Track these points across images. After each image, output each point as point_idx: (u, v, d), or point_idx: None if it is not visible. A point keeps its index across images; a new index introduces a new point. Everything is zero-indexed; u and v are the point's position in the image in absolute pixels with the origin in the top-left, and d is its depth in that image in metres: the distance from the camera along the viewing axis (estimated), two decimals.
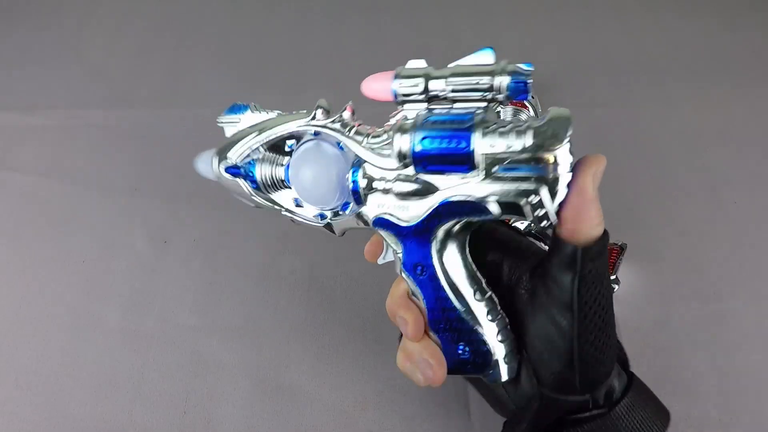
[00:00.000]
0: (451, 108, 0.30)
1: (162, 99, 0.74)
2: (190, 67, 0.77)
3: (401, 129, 0.30)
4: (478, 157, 0.28)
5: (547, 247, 0.32)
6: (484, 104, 0.30)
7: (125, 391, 0.50)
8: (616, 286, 0.51)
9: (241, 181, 0.37)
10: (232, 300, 0.55)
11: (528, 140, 0.27)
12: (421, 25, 0.81)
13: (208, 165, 0.38)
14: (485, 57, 0.30)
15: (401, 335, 0.38)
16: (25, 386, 0.50)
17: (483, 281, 0.34)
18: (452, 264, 0.33)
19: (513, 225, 0.43)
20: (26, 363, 0.52)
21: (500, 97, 0.29)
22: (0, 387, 0.50)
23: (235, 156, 0.36)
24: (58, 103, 0.74)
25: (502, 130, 0.28)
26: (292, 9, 0.84)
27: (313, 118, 0.34)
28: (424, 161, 0.30)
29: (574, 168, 0.28)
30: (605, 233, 0.29)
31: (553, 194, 0.28)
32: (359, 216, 0.34)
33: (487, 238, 0.35)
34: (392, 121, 0.32)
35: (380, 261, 0.37)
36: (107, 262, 0.58)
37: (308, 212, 0.37)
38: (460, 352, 0.34)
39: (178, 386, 0.50)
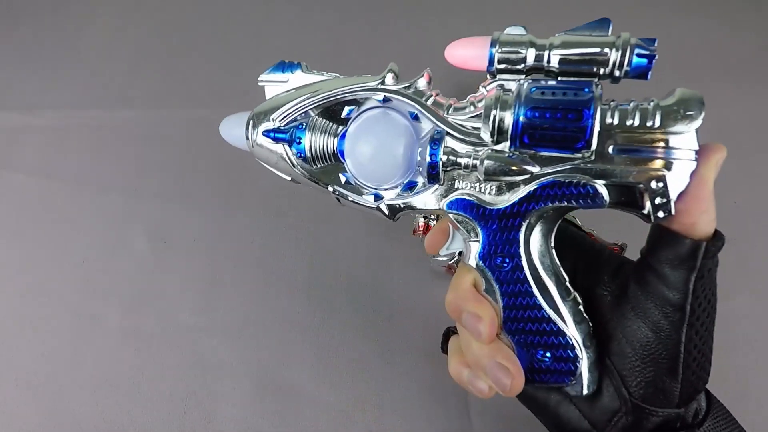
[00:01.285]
0: (557, 81, 0.27)
1: (162, 99, 0.74)
2: (190, 67, 0.77)
3: (500, 100, 0.27)
4: (594, 135, 0.26)
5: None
6: (594, 80, 0.26)
7: (125, 391, 0.50)
8: None
9: (283, 148, 0.32)
10: (232, 300, 0.55)
11: (656, 120, 0.25)
12: (421, 25, 0.81)
13: (240, 128, 0.33)
14: (600, 28, 0.26)
15: (445, 340, 0.34)
16: (25, 386, 0.50)
17: (567, 280, 0.30)
18: (538, 256, 0.29)
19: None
20: (26, 363, 0.52)
21: (617, 73, 0.26)
22: (0, 387, 0.50)
23: (280, 117, 0.31)
24: (58, 103, 0.74)
25: (623, 107, 0.26)
26: (291, 9, 0.84)
27: (382, 81, 0.30)
28: (526, 136, 0.26)
29: (698, 155, 0.25)
30: (719, 232, 0.27)
31: (674, 183, 0.25)
32: (431, 195, 0.30)
33: (557, 241, 0.31)
34: (482, 92, 0.29)
35: (443, 252, 0.33)
36: (107, 262, 0.58)
37: (361, 191, 0.32)
38: (539, 357, 0.29)
39: (178, 386, 0.50)
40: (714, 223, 0.26)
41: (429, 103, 0.29)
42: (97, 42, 0.82)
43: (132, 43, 0.81)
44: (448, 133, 0.29)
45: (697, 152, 0.25)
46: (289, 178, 0.34)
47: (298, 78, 0.33)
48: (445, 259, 0.52)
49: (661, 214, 0.26)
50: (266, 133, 0.32)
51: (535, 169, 0.27)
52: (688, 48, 0.76)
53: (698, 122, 0.25)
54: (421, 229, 0.55)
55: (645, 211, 0.26)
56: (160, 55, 0.79)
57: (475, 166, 0.28)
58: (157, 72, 0.77)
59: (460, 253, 0.34)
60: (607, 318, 0.30)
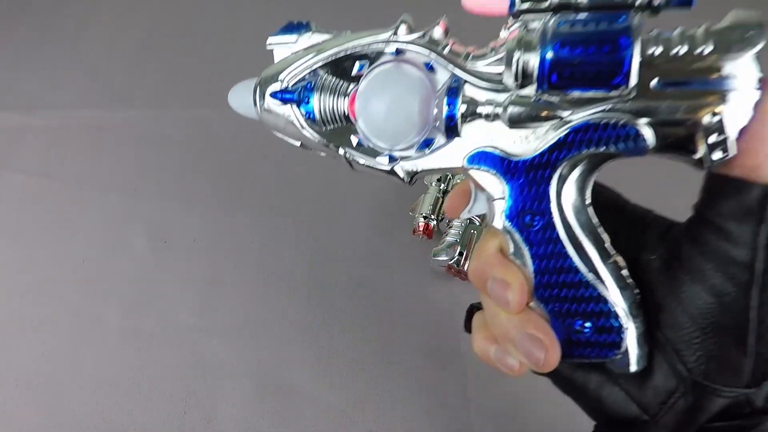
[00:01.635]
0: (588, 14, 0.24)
1: (162, 99, 0.74)
2: (190, 67, 0.77)
3: (524, 40, 0.24)
4: (634, 68, 0.22)
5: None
6: (631, 11, 0.23)
7: (125, 391, 0.50)
8: None
9: (292, 109, 0.30)
10: (232, 300, 0.55)
11: (708, 46, 0.22)
12: (420, 25, 0.81)
13: (248, 93, 0.31)
14: None
15: (468, 318, 0.31)
16: (25, 386, 0.50)
17: (607, 240, 0.26)
18: (573, 212, 0.26)
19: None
20: (26, 363, 0.52)
21: (657, 1, 0.23)
22: (0, 387, 0.50)
23: (287, 77, 0.30)
24: (58, 103, 0.74)
25: (666, 35, 0.23)
26: (291, 9, 0.84)
27: (395, 33, 0.28)
28: (555, 74, 0.24)
29: (762, 87, 0.22)
30: None
31: (733, 117, 0.22)
32: (451, 150, 0.27)
33: (597, 205, 0.27)
34: (501, 38, 0.26)
35: (464, 214, 0.30)
36: (107, 262, 0.58)
37: (373, 153, 0.29)
38: (577, 328, 0.26)
39: (178, 386, 0.50)
40: None
41: (445, 52, 0.27)
42: (98, 42, 0.82)
43: (132, 44, 0.81)
44: (466, 81, 0.26)
45: (761, 80, 0.22)
46: (298, 143, 0.31)
47: (307, 39, 0.31)
48: (445, 259, 0.52)
49: (718, 155, 0.22)
50: (273, 95, 0.30)
51: (566, 113, 0.24)
52: None
53: (758, 47, 0.21)
54: (421, 229, 0.55)
55: (698, 155, 0.23)
56: (160, 55, 0.79)
57: (497, 115, 0.25)
58: (157, 72, 0.77)
59: (478, 223, 0.27)
60: (656, 286, 0.25)
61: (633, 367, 0.25)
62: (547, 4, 0.24)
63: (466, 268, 0.50)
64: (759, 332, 0.23)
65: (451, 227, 0.54)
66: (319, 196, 0.57)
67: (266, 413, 0.48)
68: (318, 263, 0.57)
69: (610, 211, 0.28)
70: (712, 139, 0.22)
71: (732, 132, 0.22)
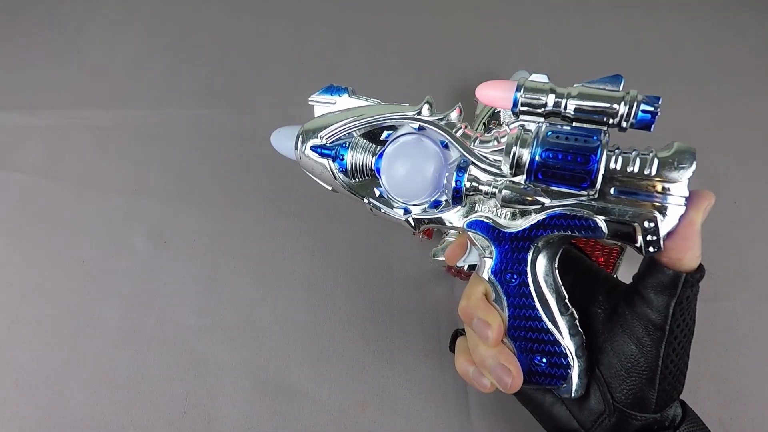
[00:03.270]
0: (572, 126, 0.31)
1: (162, 99, 0.74)
2: (190, 67, 0.77)
3: (522, 139, 0.31)
4: (599, 177, 0.29)
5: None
6: (604, 128, 0.30)
7: (125, 391, 0.50)
8: None
9: (327, 162, 0.36)
10: (232, 300, 0.55)
11: (653, 169, 0.29)
12: (421, 25, 0.81)
13: (290, 142, 0.37)
14: (613, 84, 0.30)
15: (453, 340, 0.39)
16: (25, 386, 0.50)
17: (566, 297, 0.34)
18: (543, 275, 0.33)
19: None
20: (26, 363, 0.52)
21: (624, 124, 0.29)
22: (0, 387, 0.50)
23: (326, 136, 0.36)
24: (58, 103, 0.74)
25: (626, 155, 0.30)
26: (291, 9, 0.84)
27: (419, 112, 0.34)
28: (540, 172, 0.31)
29: (687, 201, 0.29)
30: (701, 266, 0.31)
31: (664, 223, 0.29)
32: (454, 215, 0.34)
33: (560, 260, 0.35)
34: (504, 129, 0.32)
35: (460, 263, 0.37)
36: (107, 262, 0.58)
37: (392, 205, 0.36)
38: (536, 362, 0.34)
39: (178, 386, 0.50)
40: (698, 259, 0.30)
41: (458, 134, 0.33)
42: (98, 42, 0.82)
43: (132, 44, 0.81)
44: (472, 163, 0.33)
45: (687, 198, 0.29)
46: (330, 188, 0.38)
47: (344, 101, 0.37)
48: (442, 260, 0.52)
49: (651, 249, 0.30)
50: (314, 148, 0.36)
51: (546, 201, 0.31)
52: (689, 49, 0.76)
53: (689, 173, 0.28)
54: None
55: (638, 245, 0.30)
56: (161, 55, 0.79)
57: (494, 194, 0.32)
58: (157, 72, 0.77)
59: (472, 267, 0.38)
60: (599, 332, 0.34)
61: (574, 394, 0.33)
62: (541, 111, 0.31)
63: (465, 268, 0.50)
64: (663, 374, 0.31)
65: None
66: (319, 196, 0.57)
67: (266, 413, 0.48)
68: (318, 263, 0.57)
69: (574, 267, 0.37)
70: (648, 237, 0.29)
71: (662, 234, 0.29)
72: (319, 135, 0.36)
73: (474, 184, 0.33)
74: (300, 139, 0.37)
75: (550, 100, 0.30)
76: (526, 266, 0.33)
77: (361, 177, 0.36)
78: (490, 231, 0.33)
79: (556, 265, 0.34)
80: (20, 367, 0.51)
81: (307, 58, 0.78)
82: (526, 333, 0.33)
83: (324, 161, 0.36)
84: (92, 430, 0.48)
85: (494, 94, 0.32)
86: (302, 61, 0.77)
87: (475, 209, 0.33)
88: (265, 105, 0.71)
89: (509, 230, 0.33)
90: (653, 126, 0.29)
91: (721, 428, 0.46)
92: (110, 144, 0.69)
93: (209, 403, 0.49)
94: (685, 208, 0.29)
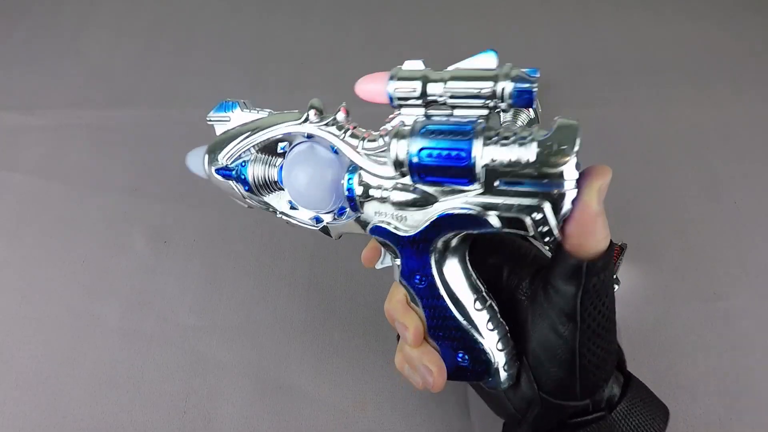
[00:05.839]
0: (451, 115, 0.28)
1: (162, 99, 0.74)
2: (190, 67, 0.77)
3: (398, 136, 0.28)
4: (479, 170, 0.27)
5: (549, 253, 0.31)
6: (485, 111, 0.28)
7: (125, 391, 0.50)
8: (617, 286, 0.51)
9: (232, 183, 0.36)
10: (232, 300, 0.55)
11: (531, 155, 0.26)
12: (421, 25, 0.81)
13: (200, 163, 0.37)
14: (487, 60, 0.27)
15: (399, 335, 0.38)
16: (25, 386, 0.50)
17: (484, 290, 0.33)
18: (452, 274, 0.32)
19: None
20: (26, 363, 0.52)
21: (503, 105, 0.27)
22: (0, 387, 0.50)
23: (224, 158, 0.35)
24: (58, 103, 0.74)
25: (504, 142, 0.26)
26: (291, 9, 0.84)
27: (306, 119, 0.32)
28: (421, 173, 0.28)
29: (579, 181, 0.26)
30: (611, 245, 0.28)
31: (557, 210, 0.26)
32: (356, 222, 0.33)
33: (487, 240, 0.35)
34: (388, 126, 0.30)
35: (378, 266, 0.36)
36: (107, 262, 0.58)
37: (304, 215, 0.36)
38: (459, 359, 0.33)
39: (178, 386, 0.50)
40: (606, 241, 0.27)
41: (346, 136, 0.31)
42: (98, 42, 0.82)
43: (132, 44, 0.81)
44: (361, 168, 0.31)
45: (577, 180, 0.26)
46: (246, 205, 0.38)
47: (238, 116, 0.36)
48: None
49: (547, 239, 0.27)
50: (218, 171, 0.36)
51: (439, 199, 0.29)
52: (689, 49, 0.76)
53: (572, 153, 0.25)
54: None
55: (530, 235, 0.28)
56: (160, 55, 0.79)
57: (386, 198, 0.31)
58: (157, 72, 0.77)
59: None
60: (524, 321, 0.33)
61: (503, 386, 0.33)
62: (419, 101, 0.28)
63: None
64: (581, 364, 0.30)
65: None
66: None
67: (266, 413, 0.48)
68: (318, 263, 0.57)
69: (501, 248, 0.35)
70: (541, 229, 0.27)
71: (553, 223, 0.27)
72: (218, 157, 0.36)
73: (366, 189, 0.31)
74: (206, 159, 0.36)
75: (419, 87, 0.27)
76: (431, 269, 0.32)
77: (268, 190, 0.36)
78: (391, 236, 0.32)
79: (468, 259, 0.33)
80: (20, 367, 0.52)
81: (307, 58, 0.78)
82: (444, 332, 0.33)
83: (230, 182, 0.36)
84: (92, 430, 0.48)
85: (371, 88, 0.29)
86: (302, 61, 0.77)
87: (375, 214, 0.32)
88: (265, 105, 0.71)
89: (407, 234, 0.31)
90: (535, 103, 0.27)
91: (721, 428, 0.46)
92: (110, 144, 0.69)
93: (209, 403, 0.49)
94: (575, 191, 0.26)
